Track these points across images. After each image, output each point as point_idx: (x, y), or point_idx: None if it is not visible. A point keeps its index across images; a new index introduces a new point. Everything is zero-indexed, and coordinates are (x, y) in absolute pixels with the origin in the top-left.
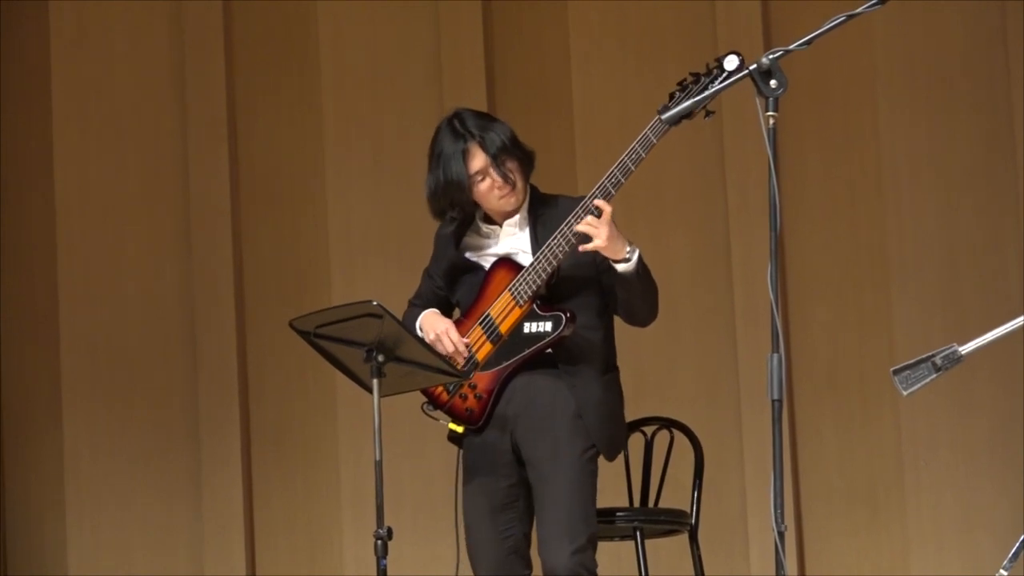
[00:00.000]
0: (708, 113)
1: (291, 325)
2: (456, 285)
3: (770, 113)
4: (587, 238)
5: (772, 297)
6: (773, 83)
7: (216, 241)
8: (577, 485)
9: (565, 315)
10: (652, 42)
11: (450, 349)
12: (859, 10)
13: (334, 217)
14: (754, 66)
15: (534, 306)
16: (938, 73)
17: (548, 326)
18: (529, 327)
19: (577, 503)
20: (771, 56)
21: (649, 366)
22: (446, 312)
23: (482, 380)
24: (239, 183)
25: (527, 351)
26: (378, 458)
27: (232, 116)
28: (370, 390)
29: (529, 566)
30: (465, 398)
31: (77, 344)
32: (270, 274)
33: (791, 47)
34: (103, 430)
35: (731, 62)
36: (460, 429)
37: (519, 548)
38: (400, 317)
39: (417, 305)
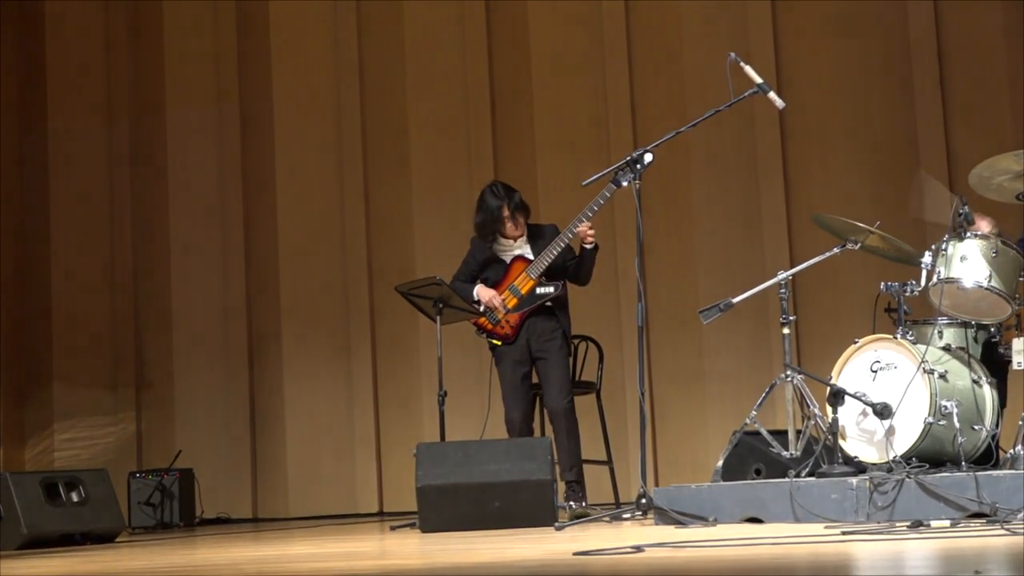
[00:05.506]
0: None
1: (396, 289)
2: (486, 269)
3: (636, 181)
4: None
5: (638, 273)
6: (639, 165)
7: (357, 232)
8: (565, 366)
9: (560, 284)
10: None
11: (496, 304)
12: (702, 117)
13: (418, 221)
14: (629, 157)
15: (541, 279)
16: (716, 154)
17: (551, 289)
18: (540, 290)
19: (566, 376)
20: (639, 152)
21: (577, 309)
22: (475, 281)
23: (512, 317)
24: (368, 197)
25: (538, 302)
26: (439, 355)
27: (364, 139)
28: (435, 320)
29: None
30: (503, 327)
31: (295, 301)
32: (386, 256)
33: (658, 143)
34: (307, 353)
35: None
36: (499, 343)
37: (533, 401)
38: (452, 285)
39: (462, 280)
